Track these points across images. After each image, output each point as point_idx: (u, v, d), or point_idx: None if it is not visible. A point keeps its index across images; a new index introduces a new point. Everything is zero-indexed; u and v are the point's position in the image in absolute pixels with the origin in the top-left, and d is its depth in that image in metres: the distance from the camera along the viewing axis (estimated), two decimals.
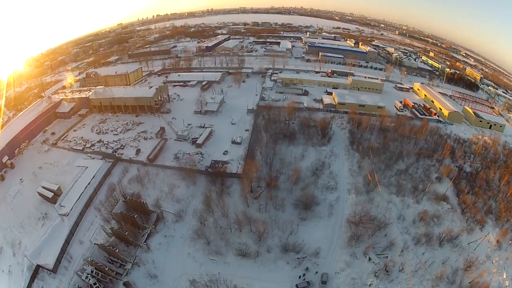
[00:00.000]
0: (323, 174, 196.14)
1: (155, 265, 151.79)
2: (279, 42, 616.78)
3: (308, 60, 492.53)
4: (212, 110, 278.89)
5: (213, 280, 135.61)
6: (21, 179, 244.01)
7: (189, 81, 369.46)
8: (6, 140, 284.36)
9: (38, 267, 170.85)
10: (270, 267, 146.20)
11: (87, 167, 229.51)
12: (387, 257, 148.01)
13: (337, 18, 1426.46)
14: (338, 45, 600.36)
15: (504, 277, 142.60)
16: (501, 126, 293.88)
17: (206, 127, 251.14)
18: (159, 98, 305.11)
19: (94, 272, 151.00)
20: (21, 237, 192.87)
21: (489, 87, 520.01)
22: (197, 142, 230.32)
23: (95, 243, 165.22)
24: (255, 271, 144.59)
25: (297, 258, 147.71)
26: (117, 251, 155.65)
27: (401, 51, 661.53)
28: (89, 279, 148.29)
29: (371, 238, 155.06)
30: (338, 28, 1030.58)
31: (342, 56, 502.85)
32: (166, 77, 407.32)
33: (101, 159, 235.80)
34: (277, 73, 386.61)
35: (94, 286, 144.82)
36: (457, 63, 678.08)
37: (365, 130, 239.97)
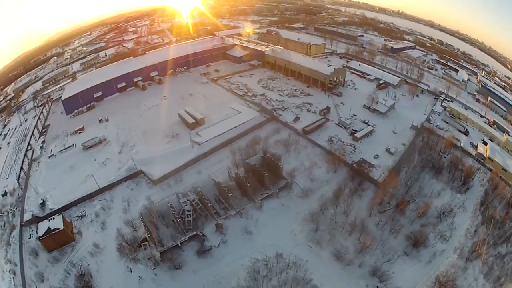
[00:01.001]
0: (445, 221, 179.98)
1: (256, 224, 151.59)
2: (458, 70, 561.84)
3: (477, 100, 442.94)
4: (380, 111, 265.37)
5: (296, 264, 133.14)
6: (164, 96, 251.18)
7: (368, 74, 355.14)
8: (160, 59, 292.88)
9: (140, 172, 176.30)
10: (351, 281, 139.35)
11: (240, 112, 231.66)
12: None
13: (510, 67, 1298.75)
14: (505, 97, 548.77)
15: None
16: None
17: (369, 125, 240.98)
18: (335, 79, 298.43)
19: (195, 201, 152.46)
20: (137, 142, 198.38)
21: None
22: (355, 135, 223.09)
23: (213, 179, 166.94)
24: (337, 277, 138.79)
25: (377, 286, 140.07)
26: (230, 195, 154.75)
27: None
28: (186, 205, 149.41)
29: None
30: (509, 78, 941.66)
31: (505, 110, 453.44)
32: (347, 61, 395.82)
33: (257, 111, 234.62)
34: (449, 101, 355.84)
35: (187, 212, 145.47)
36: None
37: (497, 196, 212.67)
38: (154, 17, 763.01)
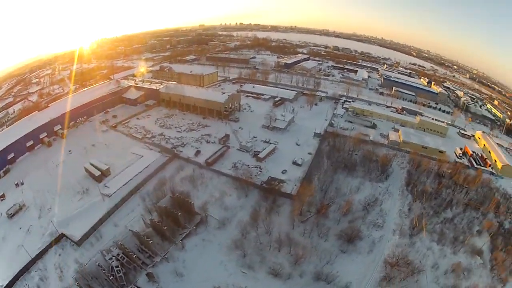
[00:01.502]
0: (373, 211, 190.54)
1: (184, 265, 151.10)
2: (356, 71, 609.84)
3: (381, 93, 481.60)
4: (280, 127, 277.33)
5: None
6: (70, 151, 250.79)
7: (262, 94, 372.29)
8: (61, 111, 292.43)
9: (62, 235, 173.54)
10: None
11: (142, 156, 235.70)
12: None
13: (414, 54, 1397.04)
14: (411, 82, 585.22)
15: None
16: None
17: (271, 143, 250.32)
18: (230, 105, 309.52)
19: (120, 255, 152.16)
20: (53, 204, 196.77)
21: None
22: (258, 155, 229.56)
23: (130, 229, 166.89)
24: None
25: None
26: (150, 242, 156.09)
27: (469, 96, 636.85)
28: (113, 261, 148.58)
29: (402, 281, 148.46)
30: (414, 64, 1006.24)
31: (414, 94, 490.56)
32: (241, 86, 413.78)
33: (158, 152, 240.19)
34: (349, 102, 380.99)
35: (116, 269, 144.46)
36: None
37: (422, 172, 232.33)
38: (55, 65, 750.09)
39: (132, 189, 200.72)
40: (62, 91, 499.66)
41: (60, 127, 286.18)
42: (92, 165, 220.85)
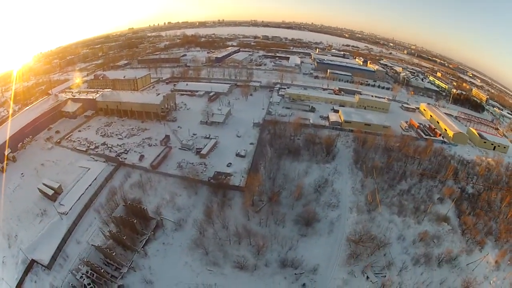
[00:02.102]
0: (325, 192, 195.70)
1: (151, 271, 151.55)
2: (289, 57, 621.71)
3: (316, 77, 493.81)
4: (218, 122, 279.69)
5: None
6: (22, 174, 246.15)
7: (196, 91, 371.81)
8: (10, 133, 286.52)
9: (32, 261, 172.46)
10: (267, 281, 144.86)
11: (89, 169, 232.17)
12: (385, 276, 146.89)
13: (347, 35, 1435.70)
14: (346, 63, 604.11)
15: None
16: (504, 147, 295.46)
17: (211, 138, 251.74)
18: (166, 106, 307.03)
19: (89, 272, 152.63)
20: (18, 230, 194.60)
21: (495, 108, 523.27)
22: (201, 152, 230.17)
23: (92, 244, 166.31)
24: (252, 284, 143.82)
25: (295, 274, 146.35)
26: (114, 254, 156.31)
27: (409, 71, 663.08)
28: (84, 279, 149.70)
29: (370, 257, 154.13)
30: (348, 45, 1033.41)
31: (350, 74, 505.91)
32: (174, 85, 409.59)
33: (104, 161, 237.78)
34: (285, 88, 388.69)
35: (88, 286, 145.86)
36: (464, 84, 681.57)
37: (369, 149, 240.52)
38: None
39: (86, 203, 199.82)
40: (7, 113, 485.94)
41: (10, 150, 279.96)
42: (45, 184, 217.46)
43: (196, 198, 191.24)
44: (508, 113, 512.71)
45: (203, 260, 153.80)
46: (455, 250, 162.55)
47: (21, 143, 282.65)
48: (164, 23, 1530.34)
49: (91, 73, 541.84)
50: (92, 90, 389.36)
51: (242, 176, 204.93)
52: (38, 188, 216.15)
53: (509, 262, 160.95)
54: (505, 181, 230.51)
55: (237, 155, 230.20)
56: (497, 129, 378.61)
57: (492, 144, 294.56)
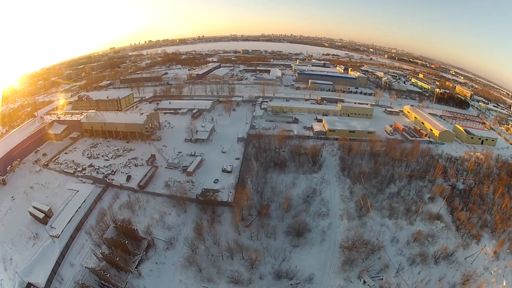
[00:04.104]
0: (314, 201, 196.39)
1: None
2: (269, 70, 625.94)
3: (298, 88, 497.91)
4: (202, 139, 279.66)
5: None
6: (12, 197, 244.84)
7: (179, 109, 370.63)
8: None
9: (29, 284, 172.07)
10: None
11: (78, 191, 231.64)
12: (382, 279, 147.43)
13: (326, 44, 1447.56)
14: (327, 72, 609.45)
15: (504, 284, 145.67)
16: (493, 140, 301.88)
17: (197, 156, 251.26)
18: (150, 125, 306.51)
19: None
20: (12, 254, 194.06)
21: (480, 103, 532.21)
22: (187, 170, 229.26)
23: (86, 267, 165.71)
24: None
25: (291, 285, 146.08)
26: (108, 275, 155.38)
27: (390, 75, 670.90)
28: None
29: (365, 261, 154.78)
30: (328, 54, 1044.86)
31: (332, 83, 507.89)
32: (157, 104, 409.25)
33: (92, 183, 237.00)
34: (267, 102, 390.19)
35: None
36: (447, 83, 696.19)
37: (355, 155, 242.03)
38: None
39: (77, 226, 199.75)
40: None
41: (0, 174, 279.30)
42: (35, 207, 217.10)
43: (185, 216, 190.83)
44: (494, 106, 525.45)
45: (197, 277, 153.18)
46: (451, 246, 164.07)
47: (10, 166, 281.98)
48: (145, 41, 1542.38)
49: (75, 94, 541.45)
50: (77, 111, 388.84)
51: (230, 192, 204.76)
52: (29, 212, 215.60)
53: (508, 250, 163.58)
54: (496, 173, 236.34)
55: (224, 171, 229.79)
56: (483, 123, 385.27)
57: (480, 139, 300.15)
